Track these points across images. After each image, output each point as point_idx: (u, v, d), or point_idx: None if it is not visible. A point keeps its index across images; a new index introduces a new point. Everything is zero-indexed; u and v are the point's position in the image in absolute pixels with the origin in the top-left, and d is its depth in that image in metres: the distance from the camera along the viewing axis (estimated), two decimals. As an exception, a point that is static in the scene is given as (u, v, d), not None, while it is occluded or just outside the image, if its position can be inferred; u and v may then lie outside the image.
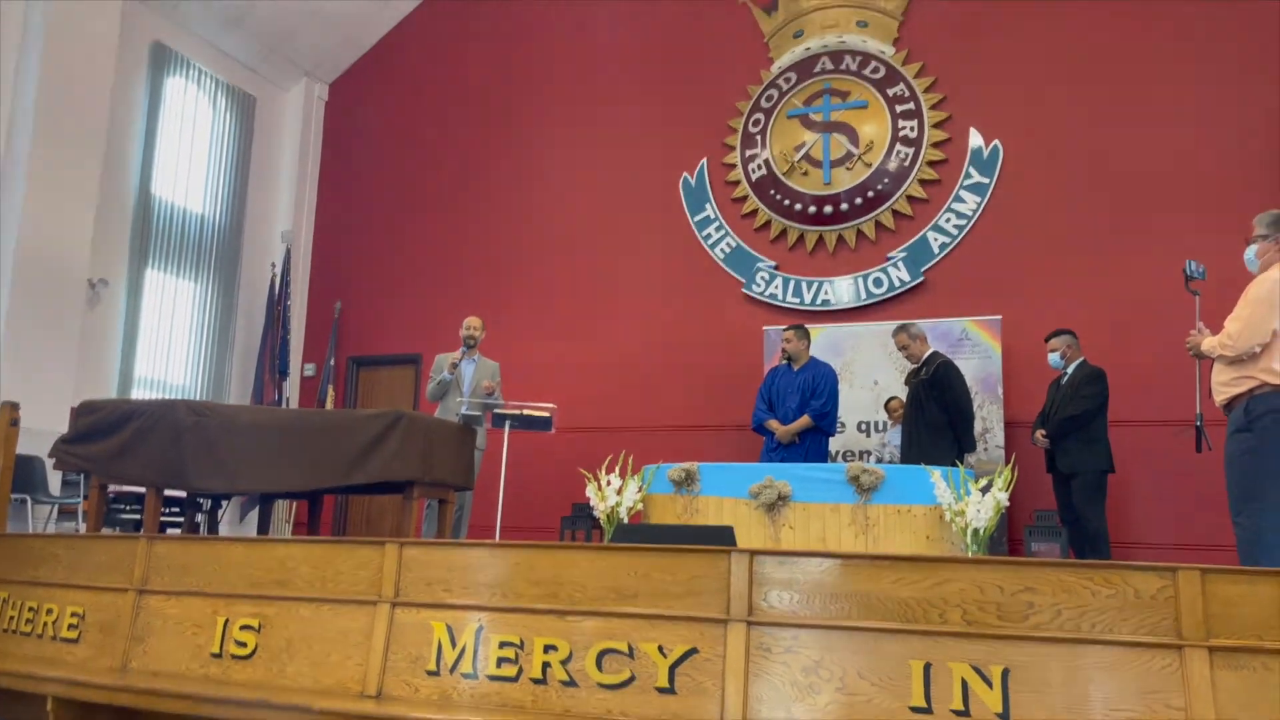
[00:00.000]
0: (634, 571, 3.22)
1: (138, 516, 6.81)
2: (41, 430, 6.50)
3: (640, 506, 5.62)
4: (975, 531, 4.65)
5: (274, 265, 9.86)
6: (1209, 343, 3.87)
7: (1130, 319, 7.13)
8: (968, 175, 7.98)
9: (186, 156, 9.26)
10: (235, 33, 9.54)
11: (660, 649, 3.09)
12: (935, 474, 4.88)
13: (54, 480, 6.97)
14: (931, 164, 8.10)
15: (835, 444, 7.17)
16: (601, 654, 3.13)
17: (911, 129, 8.17)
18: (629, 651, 3.11)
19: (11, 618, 4.25)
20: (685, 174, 8.88)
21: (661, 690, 3.03)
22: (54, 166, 7.48)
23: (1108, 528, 5.56)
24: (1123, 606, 2.78)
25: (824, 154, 8.39)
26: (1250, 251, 3.94)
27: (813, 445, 6.27)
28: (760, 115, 8.68)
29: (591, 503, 5.62)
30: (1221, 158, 7.17)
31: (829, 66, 8.51)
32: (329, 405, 9.40)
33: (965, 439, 5.86)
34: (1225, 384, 3.81)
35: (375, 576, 3.51)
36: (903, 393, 7.17)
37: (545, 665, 3.17)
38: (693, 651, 3.06)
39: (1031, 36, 7.93)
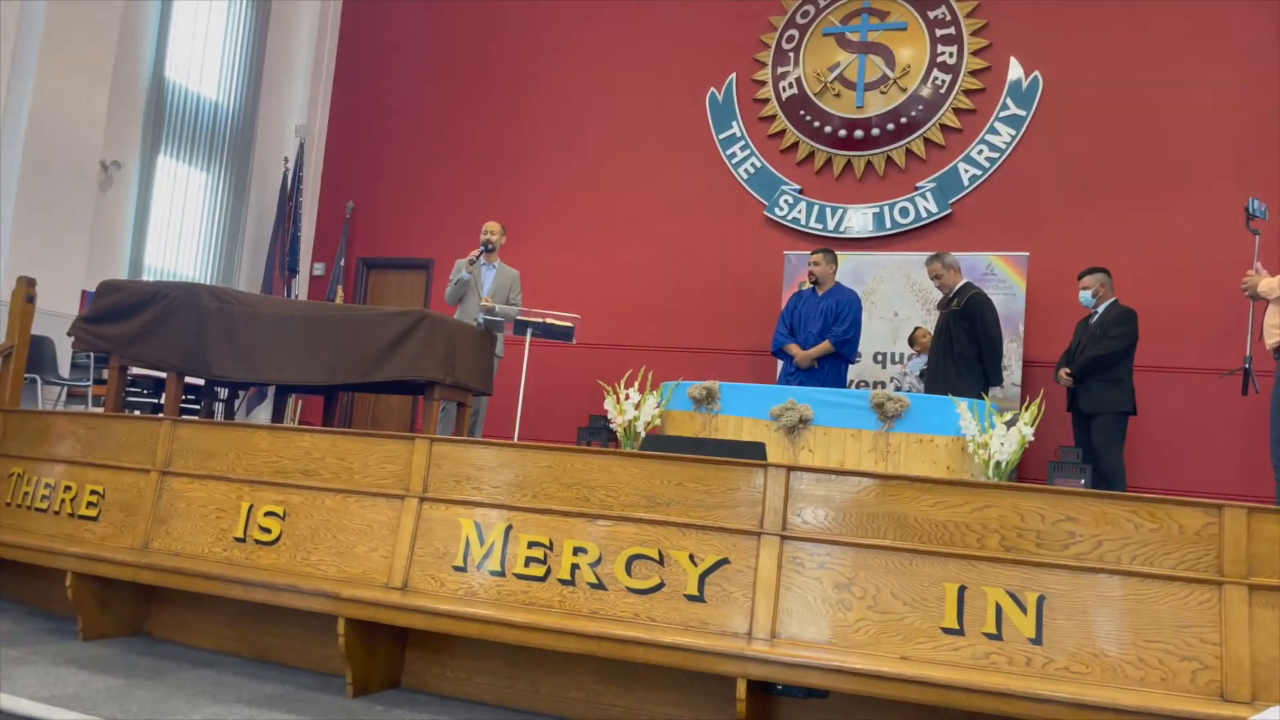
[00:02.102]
0: (667, 480, 3.20)
1: (152, 401, 6.78)
2: (52, 311, 6.43)
3: (658, 422, 5.59)
4: (998, 464, 4.63)
5: (287, 160, 9.67)
6: (1267, 284, 3.80)
7: (1165, 263, 7.02)
8: (1004, 106, 7.79)
9: (201, 41, 8.99)
10: (255, -87, 9.18)
11: (691, 557, 3.08)
12: (961, 405, 4.85)
13: (64, 362, 6.91)
14: (968, 92, 7.90)
15: (852, 373, 7.12)
16: (631, 559, 3.12)
17: (950, 55, 7.94)
18: (659, 558, 3.10)
19: (26, 494, 4.22)
20: (713, 89, 8.65)
21: (691, 598, 3.03)
22: (68, 41, 7.25)
23: (1125, 471, 5.55)
24: (1165, 540, 2.76)
25: (858, 75, 8.16)
26: (1316, 193, 3.85)
27: (831, 371, 6.22)
28: (794, 31, 8.43)
29: (609, 415, 5.59)
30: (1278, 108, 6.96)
31: (869, -16, 8.23)
32: (339, 305, 9.30)
33: (993, 372, 5.82)
34: (1279, 326, 3.75)
35: (403, 471, 3.48)
36: (926, 325, 7.12)
37: (574, 567, 3.16)
38: (724, 562, 3.05)
39: (1083, -35, 7.65)
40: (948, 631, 2.81)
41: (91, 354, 6.64)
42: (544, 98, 9.23)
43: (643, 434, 5.45)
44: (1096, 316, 5.84)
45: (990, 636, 2.78)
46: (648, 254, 8.60)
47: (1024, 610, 2.78)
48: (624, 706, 3.11)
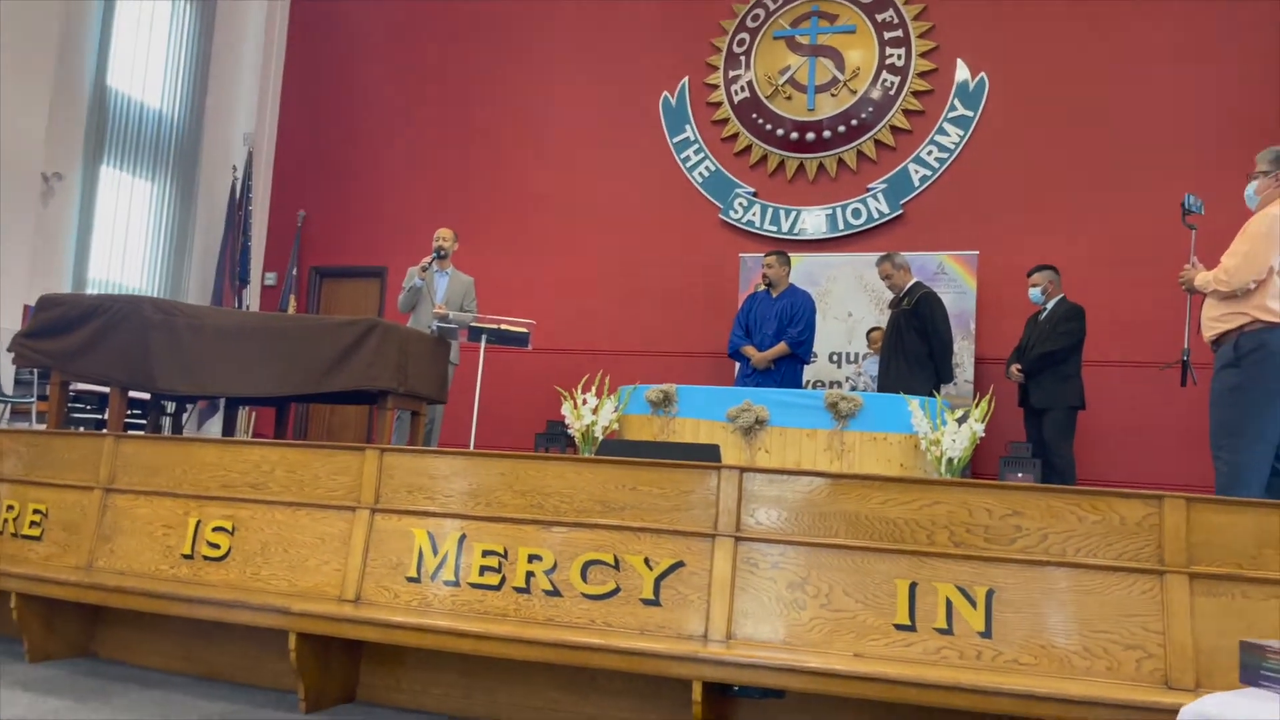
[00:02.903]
0: (621, 484, 3.19)
1: (97, 416, 6.64)
2: (-6, 327, 6.29)
3: (616, 426, 5.59)
4: (950, 461, 4.69)
5: (235, 169, 9.54)
6: (1203, 277, 3.88)
7: (1110, 260, 7.17)
8: (952, 107, 7.90)
9: (144, 48, 8.84)
10: (198, -81, 9.05)
11: (646, 561, 3.08)
12: (913, 403, 4.91)
13: (7, 379, 6.75)
14: (916, 94, 8.00)
15: (807, 373, 7.18)
16: (586, 565, 3.11)
17: (899, 57, 8.04)
18: (614, 563, 3.10)
19: (-33, 515, 4.11)
20: (666, 93, 8.68)
21: (646, 602, 3.03)
22: (5, 51, 7.09)
23: (1075, 464, 5.65)
24: (1108, 532, 2.81)
25: (809, 78, 8.23)
26: (1250, 188, 3.94)
27: (788, 372, 6.27)
28: (745, 35, 8.48)
29: (567, 421, 5.58)
30: (1218, 97, 7.13)
31: (818, -12, 8.31)
32: (292, 315, 9.17)
33: (944, 369, 5.89)
34: (1216, 319, 3.83)
35: (354, 482, 3.44)
36: (880, 324, 7.18)
37: (529, 575, 3.15)
38: (679, 565, 3.05)
39: (1025, -33, 7.79)
40: (900, 628, 2.83)
41: (35, 370, 6.49)
42: (496, 104, 9.19)
43: (600, 439, 5.45)
44: (1045, 313, 5.94)
45: (941, 631, 2.81)
46: (603, 259, 8.60)
47: (974, 604, 2.82)
48: (582, 713, 3.10)
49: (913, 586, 2.86)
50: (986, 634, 2.77)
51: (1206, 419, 4.01)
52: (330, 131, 9.76)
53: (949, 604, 2.83)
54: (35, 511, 3.90)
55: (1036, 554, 2.82)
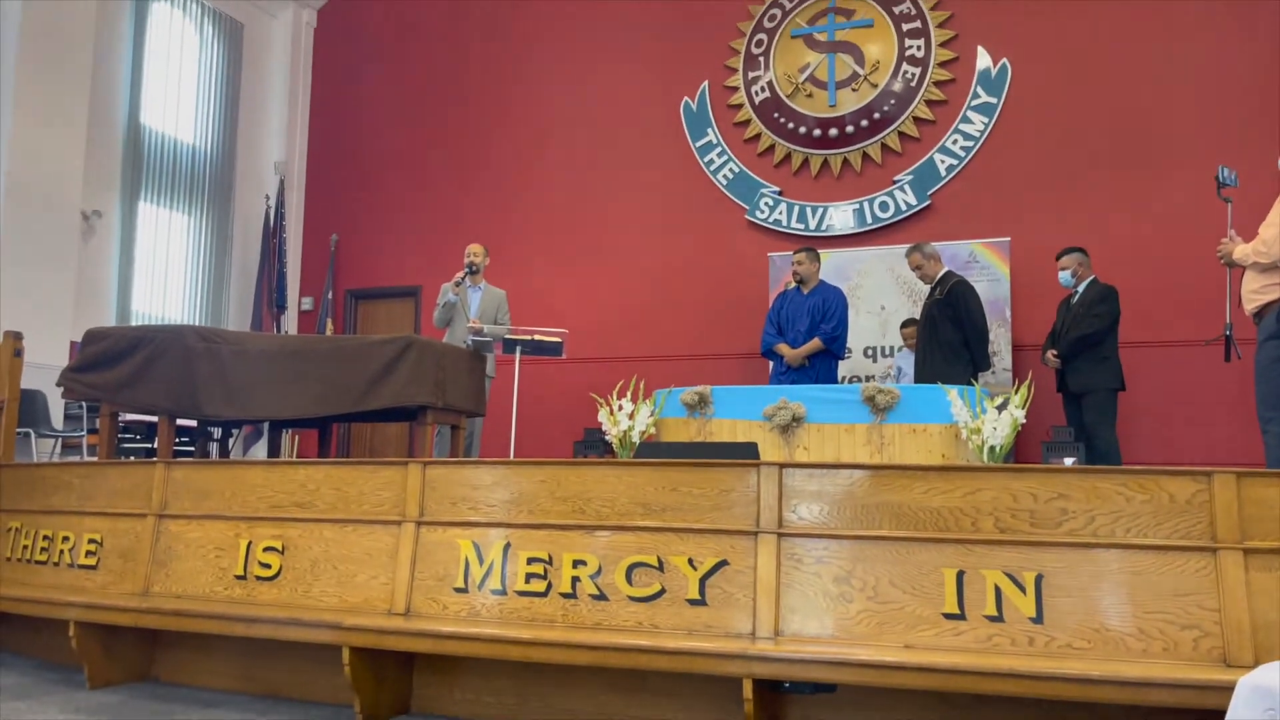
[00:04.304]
0: (661, 486, 3.20)
1: (146, 445, 6.77)
2: (42, 364, 6.43)
3: (653, 430, 5.60)
4: (992, 449, 4.65)
5: (268, 197, 9.70)
6: (1241, 250, 3.83)
7: (1142, 238, 7.08)
8: (975, 95, 7.84)
9: (175, 85, 9.03)
10: (219, -45, 9.23)
11: (690, 561, 3.08)
12: (952, 393, 4.87)
13: (57, 414, 6.91)
14: (938, 84, 7.95)
15: (842, 369, 7.15)
16: (631, 568, 3.13)
17: (918, 48, 8.00)
18: (659, 565, 3.11)
19: (25, 547, 4.22)
20: (686, 98, 8.70)
21: (693, 602, 3.03)
22: (40, 94, 7.28)
23: (1119, 446, 5.57)
24: (1156, 511, 2.77)
25: (829, 75, 8.22)
26: (1283, 158, 3.90)
27: (822, 369, 6.25)
28: (763, 35, 8.49)
29: (604, 427, 5.60)
30: (1247, 68, 6.98)
31: (833, -16, 8.29)
32: (329, 338, 9.29)
33: (980, 357, 5.84)
34: (1257, 291, 3.78)
35: (399, 497, 3.48)
36: (915, 315, 7.13)
37: (575, 580, 3.16)
38: (723, 564, 3.06)
39: (1042, -50, 7.72)
40: (949, 617, 2.81)
41: (84, 403, 6.64)
42: (519, 118, 9.27)
43: (638, 443, 5.46)
44: (1077, 296, 5.87)
45: (991, 619, 2.78)
46: (633, 265, 8.63)
47: (1023, 590, 2.79)
48: (634, 715, 3.11)
49: (960, 575, 2.84)
50: (1038, 619, 2.75)
51: (1253, 394, 3.95)
52: (359, 156, 9.90)
53: (998, 591, 2.80)
54: (90, 541, 3.99)
55: (1084, 536, 2.79)
